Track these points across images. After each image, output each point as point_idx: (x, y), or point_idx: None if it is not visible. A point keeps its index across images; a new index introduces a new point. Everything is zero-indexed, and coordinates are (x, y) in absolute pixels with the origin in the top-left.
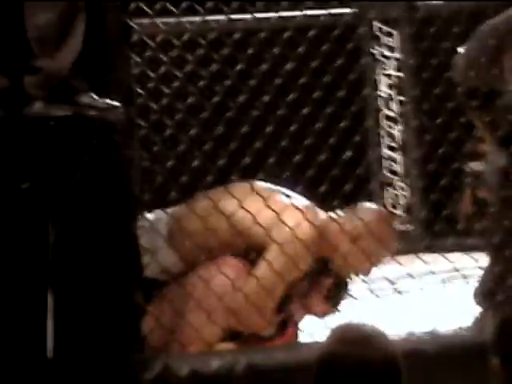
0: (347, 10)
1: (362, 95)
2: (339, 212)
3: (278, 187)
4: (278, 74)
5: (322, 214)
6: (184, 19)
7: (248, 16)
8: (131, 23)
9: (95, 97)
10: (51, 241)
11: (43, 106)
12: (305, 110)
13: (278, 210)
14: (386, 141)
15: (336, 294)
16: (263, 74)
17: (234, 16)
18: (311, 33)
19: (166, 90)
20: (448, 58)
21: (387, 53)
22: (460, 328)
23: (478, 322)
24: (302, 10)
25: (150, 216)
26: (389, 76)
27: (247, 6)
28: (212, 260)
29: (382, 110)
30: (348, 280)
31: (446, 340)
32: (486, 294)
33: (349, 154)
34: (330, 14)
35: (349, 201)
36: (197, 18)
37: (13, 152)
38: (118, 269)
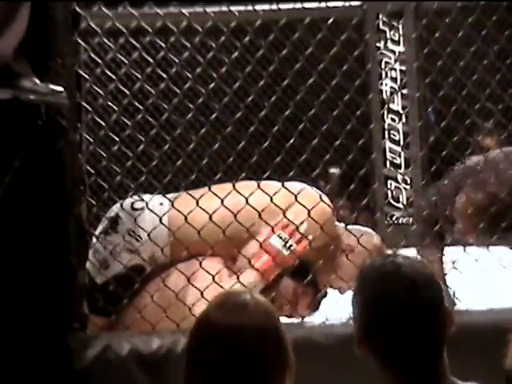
0: (354, 3)
1: (367, 89)
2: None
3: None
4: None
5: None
6: (133, 9)
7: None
8: (79, 10)
9: (37, 81)
10: None
11: None
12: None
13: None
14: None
15: (318, 302)
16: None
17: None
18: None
19: (114, 76)
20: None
21: (392, 46)
22: None
23: None
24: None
25: (151, 198)
26: (393, 70)
27: None
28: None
29: (386, 103)
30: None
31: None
32: None
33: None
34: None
35: (352, 194)
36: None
37: None
38: (61, 251)
